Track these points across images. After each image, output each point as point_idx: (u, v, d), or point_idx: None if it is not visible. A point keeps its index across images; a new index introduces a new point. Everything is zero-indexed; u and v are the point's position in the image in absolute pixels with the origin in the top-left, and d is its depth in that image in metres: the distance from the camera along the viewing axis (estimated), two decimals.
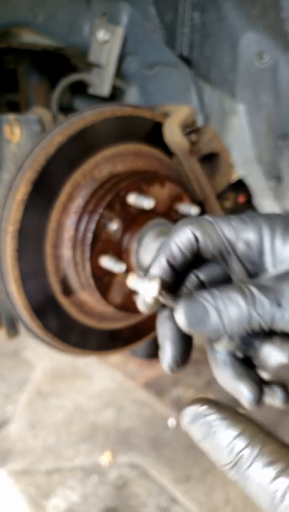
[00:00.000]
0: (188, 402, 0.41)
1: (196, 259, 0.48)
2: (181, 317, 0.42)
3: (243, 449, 0.36)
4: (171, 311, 0.46)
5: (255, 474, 0.35)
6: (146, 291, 0.45)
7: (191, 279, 0.50)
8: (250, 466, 0.36)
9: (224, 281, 0.51)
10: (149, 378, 2.55)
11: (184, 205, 1.18)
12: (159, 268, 0.48)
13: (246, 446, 0.36)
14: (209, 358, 0.49)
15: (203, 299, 0.42)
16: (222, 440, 0.37)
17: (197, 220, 0.48)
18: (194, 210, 1.16)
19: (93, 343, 1.30)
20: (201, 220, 0.48)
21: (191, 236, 0.47)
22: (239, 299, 0.41)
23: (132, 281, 0.47)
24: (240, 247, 0.47)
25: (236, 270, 0.48)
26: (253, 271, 0.48)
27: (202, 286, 0.51)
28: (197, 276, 0.50)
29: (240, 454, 0.36)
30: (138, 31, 1.37)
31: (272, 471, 0.35)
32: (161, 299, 0.45)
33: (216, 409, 0.39)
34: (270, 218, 0.47)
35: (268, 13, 1.26)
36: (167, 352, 0.45)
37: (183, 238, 0.47)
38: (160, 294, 0.45)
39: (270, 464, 0.35)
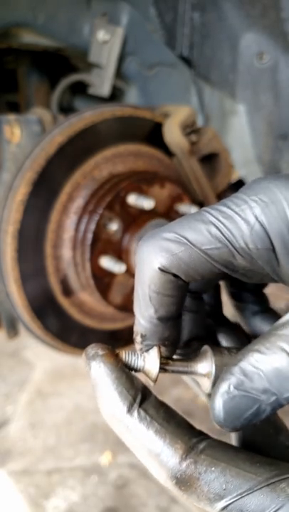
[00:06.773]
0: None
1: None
2: (218, 414, 0.31)
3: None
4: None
5: None
6: (147, 371, 0.37)
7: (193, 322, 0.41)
8: None
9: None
10: None
11: (184, 205, 1.18)
12: (150, 334, 0.36)
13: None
14: None
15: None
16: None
17: (158, 245, 0.33)
18: (194, 210, 1.16)
19: (93, 343, 1.30)
20: (162, 243, 0.33)
21: (163, 278, 0.34)
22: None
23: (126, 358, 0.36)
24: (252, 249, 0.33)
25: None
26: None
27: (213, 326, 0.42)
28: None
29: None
30: (138, 31, 1.37)
31: None
32: (170, 371, 0.37)
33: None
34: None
35: (268, 13, 1.26)
36: None
37: (156, 280, 0.34)
38: (164, 368, 0.37)
39: None
